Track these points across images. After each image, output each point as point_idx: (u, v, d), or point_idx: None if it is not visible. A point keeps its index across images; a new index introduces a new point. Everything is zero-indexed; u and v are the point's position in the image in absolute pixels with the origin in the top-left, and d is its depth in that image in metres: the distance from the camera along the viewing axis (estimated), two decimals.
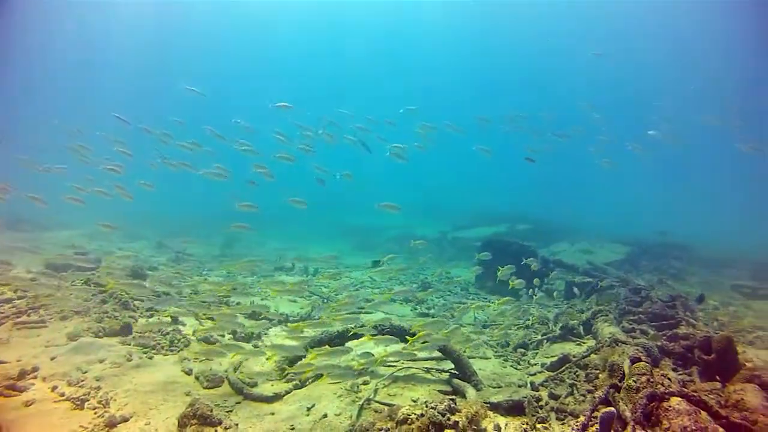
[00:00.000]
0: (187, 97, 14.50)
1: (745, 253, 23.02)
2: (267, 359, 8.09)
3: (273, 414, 6.36)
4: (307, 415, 6.36)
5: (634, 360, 6.05)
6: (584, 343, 10.28)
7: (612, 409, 4.71)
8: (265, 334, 10.02)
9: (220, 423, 5.67)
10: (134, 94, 58.29)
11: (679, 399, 5.01)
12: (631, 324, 10.19)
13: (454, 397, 5.49)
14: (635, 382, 5.51)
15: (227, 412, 6.30)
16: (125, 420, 5.81)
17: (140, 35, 62.31)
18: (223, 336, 9.54)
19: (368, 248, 25.09)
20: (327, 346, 7.09)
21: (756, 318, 13.08)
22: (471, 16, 57.52)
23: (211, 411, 5.64)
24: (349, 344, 7.70)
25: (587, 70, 55.60)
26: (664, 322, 9.92)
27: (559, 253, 21.25)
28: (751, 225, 34.06)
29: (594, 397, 5.46)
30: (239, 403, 6.64)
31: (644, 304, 11.68)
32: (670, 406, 4.88)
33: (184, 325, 10.02)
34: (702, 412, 4.90)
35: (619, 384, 5.82)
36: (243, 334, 9.42)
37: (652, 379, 5.49)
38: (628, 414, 4.86)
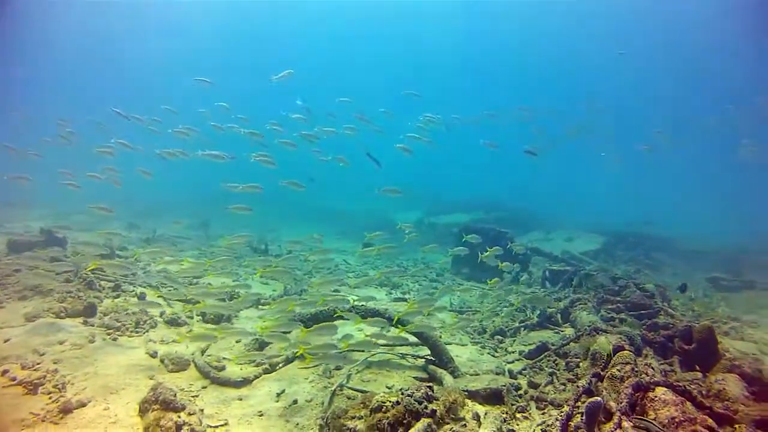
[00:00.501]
0: (189, 92, 14.25)
1: (722, 247, 23.24)
2: (237, 342, 7.77)
3: (241, 399, 6.04)
4: (277, 400, 6.05)
5: (618, 349, 5.88)
6: (562, 331, 10.15)
7: (598, 398, 4.51)
8: (236, 316, 9.64)
9: (183, 408, 5.32)
10: (139, 89, 57.07)
11: (665, 389, 4.84)
12: (609, 313, 10.08)
13: (431, 384, 5.22)
14: (619, 371, 5.33)
15: (192, 396, 5.97)
16: (82, 405, 5.43)
17: (143, 30, 61.40)
18: (191, 318, 9.15)
19: (345, 233, 24.63)
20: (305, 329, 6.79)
21: (729, 309, 13.16)
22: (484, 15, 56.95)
23: (175, 396, 5.29)
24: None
25: (590, 68, 55.75)
26: (643, 312, 9.82)
27: (535, 241, 21.19)
28: (732, 220, 34.46)
29: (577, 387, 5.26)
30: (205, 387, 6.30)
31: (622, 293, 11.64)
32: (655, 396, 4.71)
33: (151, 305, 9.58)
34: (687, 402, 4.75)
35: (602, 373, 5.65)
36: (212, 316, 9.05)
37: (636, 369, 5.32)
38: (613, 404, 4.66)
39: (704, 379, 6.24)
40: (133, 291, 10.35)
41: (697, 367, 7.12)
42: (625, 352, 5.72)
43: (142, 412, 5.24)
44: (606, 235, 23.80)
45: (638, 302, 10.44)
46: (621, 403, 4.58)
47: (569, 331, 10.02)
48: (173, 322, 8.74)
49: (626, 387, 4.82)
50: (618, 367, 5.40)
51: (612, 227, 25.84)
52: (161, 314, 9.00)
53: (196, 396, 6.01)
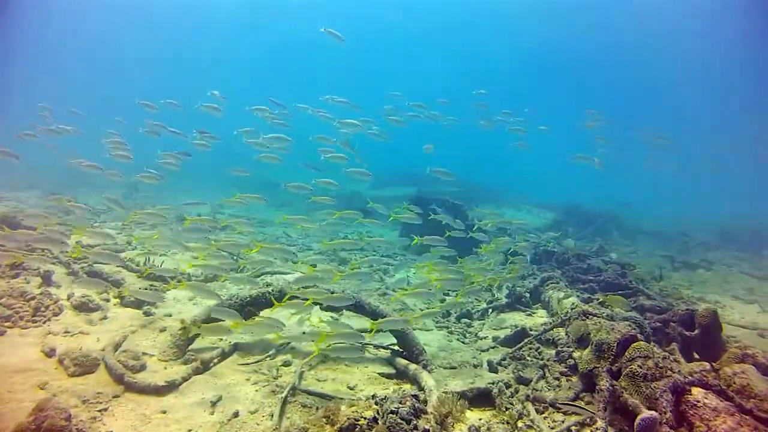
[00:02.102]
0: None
1: (674, 226, 23.28)
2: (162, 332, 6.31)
3: (165, 413, 4.63)
4: (212, 413, 4.70)
5: (630, 339, 4.90)
6: (534, 312, 9.28)
7: (653, 413, 3.47)
8: (162, 299, 8.06)
9: None
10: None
11: (703, 391, 3.89)
12: (583, 293, 9.29)
13: (416, 393, 4.07)
14: (640, 367, 4.34)
15: (99, 411, 4.52)
16: None
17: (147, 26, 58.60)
18: (107, 301, 7.58)
19: (290, 202, 22.80)
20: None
21: (689, 287, 12.79)
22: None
23: (68, 419, 3.84)
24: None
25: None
26: (619, 292, 9.05)
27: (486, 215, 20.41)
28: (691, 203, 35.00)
29: (600, 390, 4.22)
30: (118, 396, 4.84)
31: (591, 271, 10.95)
32: (697, 401, 3.74)
33: (58, 286, 7.87)
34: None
35: (613, 368, 4.67)
36: (133, 298, 7.50)
37: (661, 364, 4.34)
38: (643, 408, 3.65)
39: (714, 371, 5.41)
40: (37, 269, 8.42)
41: (696, 355, 6.36)
42: (641, 343, 4.75)
43: None
44: (556, 210, 23.43)
45: (613, 282, 9.74)
46: (665, 413, 3.58)
47: (541, 312, 9.21)
48: (82, 307, 7.15)
49: (663, 391, 3.83)
50: (638, 363, 4.42)
51: (562, 203, 25.38)
52: (69, 297, 7.36)
53: (105, 410, 4.56)
